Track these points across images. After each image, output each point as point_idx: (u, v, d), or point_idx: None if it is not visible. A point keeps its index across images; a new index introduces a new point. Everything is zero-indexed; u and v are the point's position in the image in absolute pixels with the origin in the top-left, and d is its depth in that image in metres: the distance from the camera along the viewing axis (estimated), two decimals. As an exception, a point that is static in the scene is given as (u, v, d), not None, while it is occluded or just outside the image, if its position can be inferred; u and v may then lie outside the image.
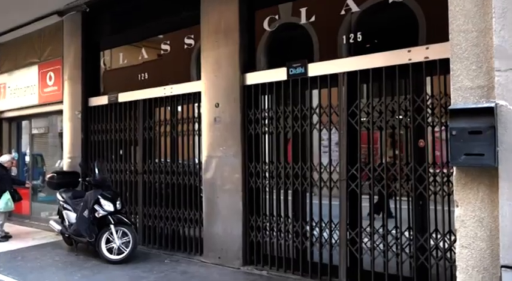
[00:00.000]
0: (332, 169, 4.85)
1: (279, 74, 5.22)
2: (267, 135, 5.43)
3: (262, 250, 5.39)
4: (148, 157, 6.75)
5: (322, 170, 4.91)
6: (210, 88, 5.80)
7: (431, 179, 4.18)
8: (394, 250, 4.46)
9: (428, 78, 4.26)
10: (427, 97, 4.23)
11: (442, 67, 4.08)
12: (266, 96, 5.43)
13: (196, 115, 6.13)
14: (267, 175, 5.37)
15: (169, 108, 6.49)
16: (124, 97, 7.04)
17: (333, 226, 4.87)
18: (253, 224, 5.45)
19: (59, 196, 6.62)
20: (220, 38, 5.65)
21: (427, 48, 4.18)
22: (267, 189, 5.38)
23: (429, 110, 4.22)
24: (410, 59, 4.27)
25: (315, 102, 5.00)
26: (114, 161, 7.19)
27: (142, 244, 6.65)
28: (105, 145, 7.35)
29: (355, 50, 4.77)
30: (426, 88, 4.27)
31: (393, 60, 4.38)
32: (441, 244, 4.19)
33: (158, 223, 6.52)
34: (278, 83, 5.24)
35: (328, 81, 4.83)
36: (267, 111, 5.38)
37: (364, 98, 4.70)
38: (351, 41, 4.81)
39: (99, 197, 5.89)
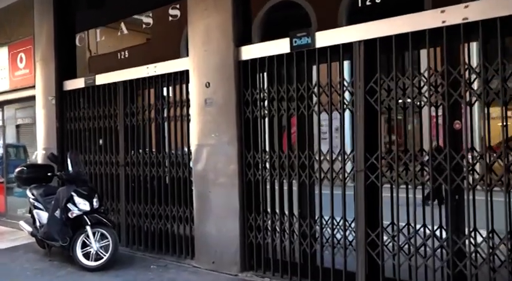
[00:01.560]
0: (346, 157, 4.07)
1: (280, 46, 4.39)
2: (267, 119, 4.62)
3: (264, 254, 4.62)
4: (131, 147, 5.92)
5: (334, 159, 4.13)
6: (200, 65, 4.96)
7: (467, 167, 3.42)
8: (423, 253, 3.71)
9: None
10: (465, 68, 3.44)
11: (485, 30, 3.29)
12: (265, 74, 4.60)
13: (184, 97, 5.30)
14: (267, 165, 4.57)
15: (153, 90, 5.66)
16: (102, 79, 6.17)
17: (347, 225, 4.10)
18: (253, 223, 4.67)
19: (28, 193, 5.79)
20: (209, 5, 4.79)
21: (466, 6, 3.37)
22: (268, 182, 4.59)
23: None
24: (444, 21, 3.46)
25: (324, 79, 4.19)
26: (93, 152, 6.36)
27: (126, 245, 5.86)
28: (82, 134, 6.51)
29: (369, 14, 3.95)
30: (464, 57, 3.47)
31: (422, 24, 3.56)
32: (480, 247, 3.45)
33: (143, 222, 5.73)
34: (280, 57, 4.41)
35: (340, 52, 4.01)
36: (267, 91, 4.56)
37: (383, 72, 3.88)
38: (367, 2, 3.99)
39: (73, 194, 5.08)
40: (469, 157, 3.46)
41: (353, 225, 4.07)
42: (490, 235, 3.35)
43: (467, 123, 3.51)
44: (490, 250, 3.34)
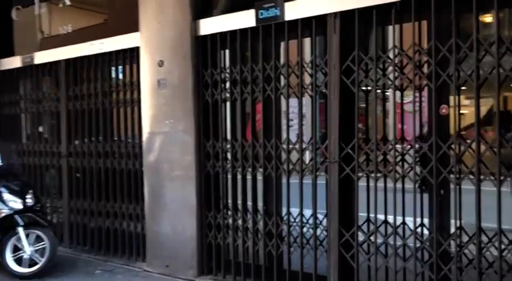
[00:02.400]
0: (318, 147, 3.59)
1: (244, 19, 3.82)
2: (228, 104, 4.07)
3: (224, 255, 4.09)
4: (75, 135, 5.22)
5: (304, 149, 3.63)
6: (152, 41, 4.33)
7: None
8: (403, 255, 3.30)
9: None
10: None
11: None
12: (227, 51, 4.03)
13: (135, 78, 4.64)
14: (229, 156, 4.03)
15: (100, 70, 4.96)
16: (42, 57, 5.40)
17: (319, 223, 3.64)
18: (212, 221, 4.12)
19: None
20: (163, -30, 4.17)
21: (457, -27, 2.93)
22: (230, 175, 4.05)
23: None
24: (432, -10, 3.01)
25: (294, 57, 3.67)
26: (32, 140, 5.60)
27: (69, 247, 5.18)
28: (19, 120, 5.72)
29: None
30: (458, 29, 3.03)
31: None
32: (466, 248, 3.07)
33: (89, 220, 5.06)
34: (243, 31, 3.84)
35: (312, 26, 3.50)
36: (229, 71, 3.99)
37: (362, 50, 3.40)
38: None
39: (1, 190, 4.34)
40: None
41: (325, 223, 3.60)
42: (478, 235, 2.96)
43: (457, 108, 3.08)
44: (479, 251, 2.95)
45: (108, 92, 4.89)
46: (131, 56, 4.63)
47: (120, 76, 4.92)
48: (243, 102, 3.96)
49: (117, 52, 4.72)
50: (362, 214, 3.38)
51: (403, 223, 3.41)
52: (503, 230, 2.87)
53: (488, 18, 3.34)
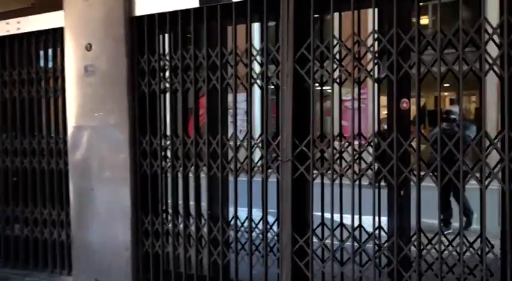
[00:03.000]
0: (270, 144, 3.23)
1: (186, -1, 3.39)
2: (168, 95, 3.61)
3: (163, 266, 3.62)
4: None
5: (253, 146, 3.26)
6: (77, 21, 3.75)
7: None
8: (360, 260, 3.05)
9: None
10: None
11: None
12: (167, 35, 3.56)
13: (59, 64, 4.02)
14: (169, 154, 3.57)
15: (17, 54, 4.27)
16: None
17: (269, 227, 3.30)
18: (149, 227, 3.64)
19: None
20: None
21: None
22: (170, 175, 3.59)
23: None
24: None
25: (242, 44, 3.29)
26: None
27: (-21, 259, 4.45)
28: None
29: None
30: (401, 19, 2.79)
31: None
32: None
33: (4, 228, 4.37)
34: (185, 13, 3.39)
35: (264, 9, 3.13)
36: (169, 58, 3.52)
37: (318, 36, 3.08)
38: None
39: None
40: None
41: (276, 228, 3.27)
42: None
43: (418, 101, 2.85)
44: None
45: (27, 80, 4.22)
46: (54, 38, 4.01)
47: (43, 62, 4.27)
48: (184, 94, 3.52)
49: (38, 33, 4.07)
50: (316, 213, 3.09)
51: (360, 225, 3.17)
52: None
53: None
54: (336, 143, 3.04)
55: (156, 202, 3.64)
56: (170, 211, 3.61)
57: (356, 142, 3.05)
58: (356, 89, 3.05)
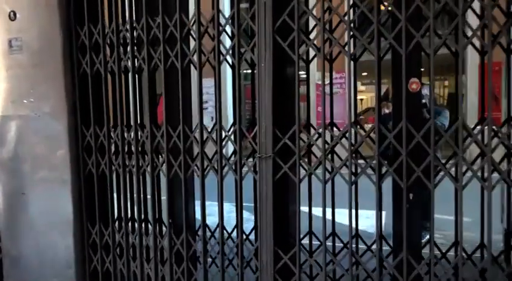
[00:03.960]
0: (244, 137, 2.59)
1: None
2: (117, 76, 2.90)
3: (116, 286, 2.98)
4: None
5: (224, 139, 2.61)
6: (-3, -19, 2.96)
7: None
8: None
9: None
10: None
11: None
12: (112, -1, 2.83)
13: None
14: (120, 149, 2.88)
15: None
16: None
17: (244, 239, 2.69)
18: (97, 239, 2.97)
19: None
20: None
21: None
22: (121, 176, 2.91)
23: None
24: None
25: (207, 8, 2.60)
26: None
27: None
28: None
29: None
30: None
31: None
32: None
33: None
34: (134, -30, 2.68)
35: (234, -36, 2.45)
36: (115, 29, 2.80)
37: None
38: None
39: None
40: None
41: (255, 239, 2.66)
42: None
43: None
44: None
45: None
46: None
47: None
48: (137, 74, 2.82)
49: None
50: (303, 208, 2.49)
51: (357, 235, 2.60)
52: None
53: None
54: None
55: (104, 208, 2.96)
56: (124, 219, 2.94)
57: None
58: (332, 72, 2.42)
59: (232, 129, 2.58)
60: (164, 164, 2.70)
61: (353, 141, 2.36)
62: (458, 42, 2.17)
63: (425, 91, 3.40)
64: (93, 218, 2.97)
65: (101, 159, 2.92)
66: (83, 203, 2.97)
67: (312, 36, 2.48)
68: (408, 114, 2.17)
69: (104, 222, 2.96)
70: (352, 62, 2.39)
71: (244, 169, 2.55)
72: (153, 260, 2.82)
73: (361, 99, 16.77)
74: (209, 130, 2.59)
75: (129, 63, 2.77)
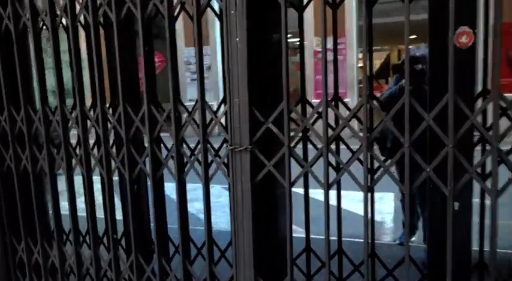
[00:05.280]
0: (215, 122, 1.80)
1: None
2: (44, 36, 2.07)
3: (52, 317, 2.26)
4: None
5: (182, 126, 1.82)
6: None
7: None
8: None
9: None
10: None
11: None
12: None
13: None
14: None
15: None
16: None
17: (216, 260, 1.96)
18: (24, 257, 2.23)
19: None
20: None
21: None
22: (49, 174, 2.13)
23: None
24: None
25: None
26: None
27: None
28: None
29: None
30: None
31: None
32: None
33: None
34: None
35: None
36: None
37: None
38: None
39: None
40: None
41: (234, 261, 1.93)
42: None
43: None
44: None
45: None
46: None
47: None
48: (70, 33, 1.99)
49: None
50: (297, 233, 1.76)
51: (373, 253, 1.87)
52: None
53: None
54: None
55: (30, 217, 2.20)
56: (59, 233, 2.19)
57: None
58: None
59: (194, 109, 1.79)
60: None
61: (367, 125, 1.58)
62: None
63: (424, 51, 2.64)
64: (17, 231, 2.23)
65: (21, 153, 2.14)
66: (4, 212, 2.21)
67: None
68: (457, 86, 1.39)
69: (31, 236, 2.21)
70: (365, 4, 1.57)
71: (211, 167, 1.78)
72: (96, 286, 2.09)
73: (360, 67, 15.90)
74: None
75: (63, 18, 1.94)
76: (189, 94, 10.94)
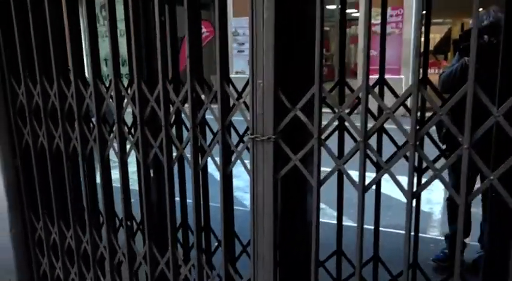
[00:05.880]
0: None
1: None
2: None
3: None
4: None
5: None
6: None
7: None
8: None
9: None
10: None
11: None
12: None
13: None
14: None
15: None
16: None
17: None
18: (43, 235, 2.16)
19: None
20: None
21: None
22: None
23: None
24: None
25: None
26: None
27: None
28: None
29: None
30: None
31: None
32: None
33: None
34: None
35: None
36: None
37: None
38: None
39: None
40: None
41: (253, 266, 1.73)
42: None
43: None
44: None
45: None
46: None
47: None
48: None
49: None
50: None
51: (415, 264, 1.60)
52: None
53: None
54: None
55: (47, 195, 2.11)
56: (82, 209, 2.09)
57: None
58: None
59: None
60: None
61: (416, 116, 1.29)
62: None
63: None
64: (34, 207, 2.15)
65: (39, 127, 2.02)
66: (22, 187, 2.14)
67: None
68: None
69: (48, 213, 2.13)
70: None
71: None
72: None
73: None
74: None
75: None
76: (235, 66, 10.72)
